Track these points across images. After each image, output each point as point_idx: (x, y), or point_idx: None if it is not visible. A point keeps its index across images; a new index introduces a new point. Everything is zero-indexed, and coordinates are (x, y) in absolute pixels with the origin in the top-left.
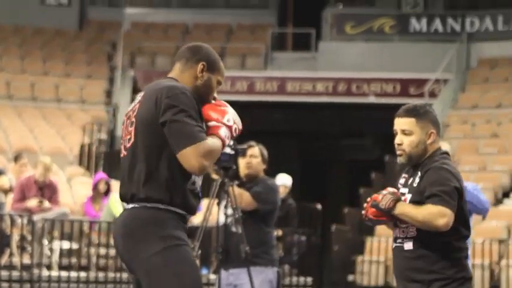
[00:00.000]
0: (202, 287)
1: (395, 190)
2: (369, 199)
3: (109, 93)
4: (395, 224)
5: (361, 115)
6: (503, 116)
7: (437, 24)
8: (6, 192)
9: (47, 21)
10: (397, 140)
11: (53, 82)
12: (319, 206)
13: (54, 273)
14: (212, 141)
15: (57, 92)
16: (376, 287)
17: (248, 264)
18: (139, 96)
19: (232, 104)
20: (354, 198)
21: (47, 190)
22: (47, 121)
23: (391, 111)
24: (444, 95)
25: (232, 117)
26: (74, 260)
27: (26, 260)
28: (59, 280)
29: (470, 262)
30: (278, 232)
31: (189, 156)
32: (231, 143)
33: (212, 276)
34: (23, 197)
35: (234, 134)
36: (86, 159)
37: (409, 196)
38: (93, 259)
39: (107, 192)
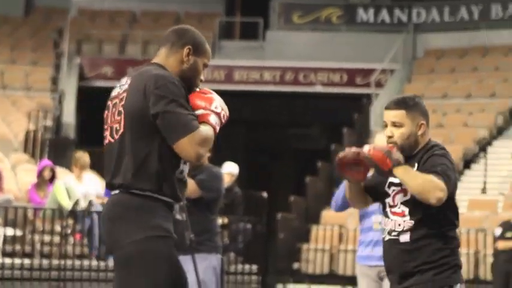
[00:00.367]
0: (179, 281)
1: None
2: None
3: (55, 80)
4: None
5: (308, 104)
6: (449, 107)
7: (384, 14)
8: None
9: None
10: (387, 133)
11: None
12: (265, 194)
13: None
14: (205, 129)
15: (2, 79)
16: (321, 275)
17: (192, 251)
18: (125, 84)
19: None
20: (300, 187)
21: None
22: None
23: (338, 100)
24: (390, 85)
25: (219, 104)
26: (18, 247)
27: None
28: (2, 267)
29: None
30: (223, 220)
31: (185, 146)
32: None
33: None
34: None
35: (223, 121)
36: (31, 146)
37: (400, 193)
38: (37, 246)
39: (52, 179)
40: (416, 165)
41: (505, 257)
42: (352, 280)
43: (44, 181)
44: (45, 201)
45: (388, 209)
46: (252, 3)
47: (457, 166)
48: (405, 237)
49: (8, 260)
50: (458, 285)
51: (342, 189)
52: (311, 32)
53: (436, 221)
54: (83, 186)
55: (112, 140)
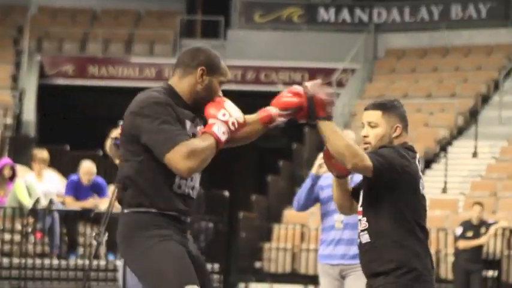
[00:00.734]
0: (188, 274)
1: None
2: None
3: (15, 78)
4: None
5: (270, 103)
6: (409, 106)
7: (345, 14)
8: None
9: None
10: (363, 132)
11: None
12: (226, 193)
13: None
14: (199, 142)
15: None
16: (284, 274)
17: None
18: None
19: (141, 90)
20: (261, 186)
21: None
22: None
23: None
24: (351, 84)
25: (228, 111)
26: None
27: None
28: None
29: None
30: None
31: (172, 161)
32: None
33: (119, 262)
34: None
35: (232, 128)
36: None
37: (367, 184)
38: None
39: (12, 177)
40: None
41: (465, 256)
42: (314, 279)
43: (4, 179)
44: (5, 199)
45: (360, 209)
46: (213, 2)
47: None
48: (365, 238)
49: None
50: None
51: (305, 189)
52: (272, 31)
53: (390, 220)
54: (43, 185)
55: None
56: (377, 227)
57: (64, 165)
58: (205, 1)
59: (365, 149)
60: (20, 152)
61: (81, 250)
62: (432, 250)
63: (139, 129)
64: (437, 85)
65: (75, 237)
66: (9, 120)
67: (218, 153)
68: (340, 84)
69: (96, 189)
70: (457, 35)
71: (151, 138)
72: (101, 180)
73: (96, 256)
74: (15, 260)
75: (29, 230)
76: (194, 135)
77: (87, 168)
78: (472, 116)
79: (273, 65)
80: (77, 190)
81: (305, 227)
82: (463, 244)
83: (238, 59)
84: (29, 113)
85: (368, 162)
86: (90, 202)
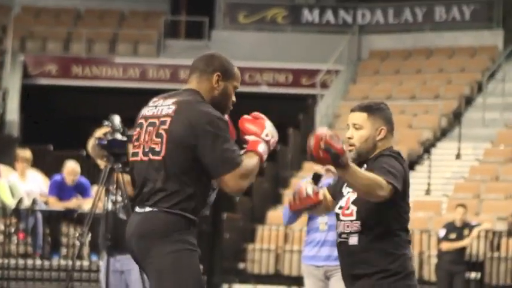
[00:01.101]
0: None
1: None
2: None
3: None
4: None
5: (254, 104)
6: (393, 108)
7: (329, 15)
8: None
9: None
10: (348, 134)
11: None
12: None
13: None
14: (250, 162)
15: None
16: (267, 275)
17: None
18: (163, 106)
19: (124, 91)
20: None
21: None
22: None
23: (283, 101)
24: (335, 85)
25: (269, 130)
26: None
27: None
28: None
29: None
30: None
31: (228, 182)
32: (119, 126)
33: (101, 263)
34: None
35: (271, 148)
36: None
37: (352, 196)
38: None
39: None
40: (364, 166)
41: (448, 258)
42: (298, 280)
43: None
44: None
45: (339, 211)
46: (198, 3)
47: None
48: (353, 240)
49: None
50: None
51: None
52: (256, 32)
53: (384, 224)
54: (26, 185)
55: (145, 159)
56: (371, 232)
57: (47, 165)
58: (190, 2)
59: (349, 151)
60: (3, 152)
61: (64, 250)
62: (415, 252)
63: (201, 142)
64: (421, 87)
65: (58, 238)
66: None
67: None
68: (324, 85)
69: (80, 190)
70: (440, 36)
71: (212, 156)
72: (84, 180)
73: (79, 256)
74: None
75: (12, 230)
76: None
77: (71, 168)
78: (456, 117)
79: (257, 65)
80: (60, 190)
81: (289, 229)
82: (446, 246)
83: None
84: (13, 113)
85: (391, 192)
86: (73, 202)
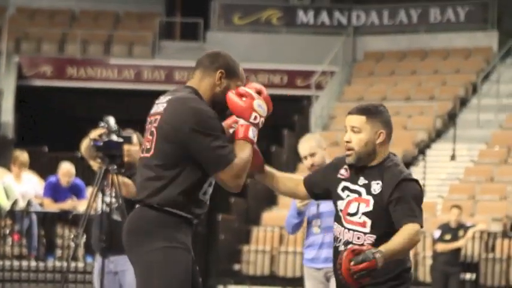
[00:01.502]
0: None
1: (362, 245)
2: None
3: None
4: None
5: None
6: (388, 109)
7: (324, 17)
8: None
9: None
10: (346, 137)
11: None
12: None
13: None
14: (242, 155)
15: None
16: (262, 276)
17: None
18: (162, 103)
19: (119, 92)
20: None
21: None
22: None
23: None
24: (330, 87)
25: (257, 110)
26: None
27: None
28: None
29: None
30: None
31: (223, 180)
32: (115, 127)
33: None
34: None
35: (260, 126)
36: None
37: (370, 199)
38: None
39: None
40: (380, 183)
41: (443, 259)
42: (293, 282)
43: None
44: None
45: (341, 214)
46: (192, 4)
47: None
48: (342, 247)
49: None
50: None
51: (292, 217)
52: (251, 34)
53: (394, 233)
54: (21, 186)
55: (142, 156)
56: (383, 242)
57: (42, 167)
58: (184, 3)
59: (348, 155)
60: None
61: (59, 252)
62: (410, 253)
63: (190, 141)
64: (415, 88)
65: (53, 239)
66: None
67: None
68: (319, 86)
69: (75, 191)
70: (435, 38)
71: (203, 156)
72: (79, 181)
73: (74, 258)
74: None
75: (7, 231)
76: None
77: (66, 170)
78: (451, 119)
79: (252, 67)
80: (55, 191)
81: (284, 230)
82: (441, 247)
83: None
84: (7, 114)
85: (420, 228)
86: (68, 204)
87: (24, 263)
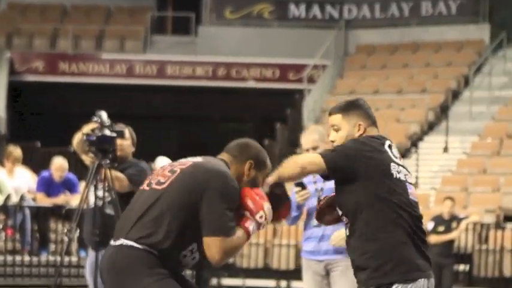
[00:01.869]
0: None
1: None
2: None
3: None
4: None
5: (241, 100)
6: (380, 102)
7: (316, 10)
8: None
9: None
10: (330, 137)
11: None
12: None
13: None
14: (238, 238)
15: None
16: (256, 269)
17: None
18: (195, 158)
19: (111, 87)
20: None
21: None
22: None
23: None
24: (322, 80)
25: (265, 212)
26: None
27: None
28: None
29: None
30: None
31: (213, 247)
32: (108, 122)
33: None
34: None
35: (261, 229)
36: None
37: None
38: None
39: None
40: None
41: (437, 250)
42: (287, 274)
43: None
44: None
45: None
46: None
47: None
48: (347, 232)
49: None
50: (395, 285)
51: (292, 206)
52: (243, 28)
53: (364, 215)
54: (14, 181)
55: (147, 188)
56: (353, 225)
57: (35, 162)
58: None
59: None
60: None
61: (52, 247)
62: None
63: (206, 198)
64: (407, 81)
65: (47, 234)
66: None
67: (190, 149)
68: (311, 80)
69: (68, 186)
70: (427, 31)
71: (209, 215)
72: (72, 176)
73: (68, 252)
74: None
75: (0, 226)
76: None
77: (59, 165)
78: (443, 111)
79: (244, 61)
80: (48, 186)
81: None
82: (434, 239)
83: (209, 55)
84: (0, 110)
85: (322, 162)
86: (61, 198)
87: (18, 258)
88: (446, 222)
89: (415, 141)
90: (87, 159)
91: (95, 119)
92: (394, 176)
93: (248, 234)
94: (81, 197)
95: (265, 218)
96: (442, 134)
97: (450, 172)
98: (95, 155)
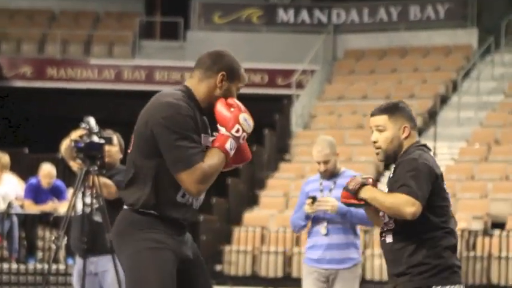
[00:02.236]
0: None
1: (368, 176)
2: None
3: None
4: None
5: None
6: (369, 108)
7: (304, 15)
8: None
9: None
10: (372, 138)
11: None
12: None
13: None
14: (211, 162)
15: None
16: (244, 277)
17: (112, 251)
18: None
19: (100, 92)
20: (221, 189)
21: None
22: None
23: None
24: (311, 85)
25: (242, 125)
26: None
27: None
28: None
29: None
30: None
31: (184, 181)
32: (96, 128)
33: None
34: None
35: (241, 142)
36: None
37: (385, 189)
38: None
39: None
40: (393, 167)
41: None
42: (275, 282)
43: None
44: None
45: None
46: (172, 3)
47: (377, 167)
48: (389, 238)
49: None
50: (439, 287)
51: (299, 219)
52: (231, 33)
53: (415, 223)
54: (2, 188)
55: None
56: (403, 230)
57: (23, 169)
58: (164, 2)
59: (377, 154)
60: None
61: (40, 254)
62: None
63: (157, 137)
64: (396, 86)
65: (34, 241)
66: None
67: None
68: (299, 85)
69: (56, 193)
70: (415, 35)
71: (167, 152)
72: (60, 183)
73: (56, 260)
74: None
75: None
76: (207, 147)
77: (47, 171)
78: (431, 116)
79: None
80: (36, 193)
81: (265, 230)
82: None
83: None
84: None
85: (420, 206)
86: (49, 206)
87: (5, 266)
88: None
89: None
90: (75, 165)
91: (83, 125)
92: (442, 186)
93: (225, 153)
94: (69, 204)
95: (243, 130)
96: (430, 139)
97: None
98: (83, 161)
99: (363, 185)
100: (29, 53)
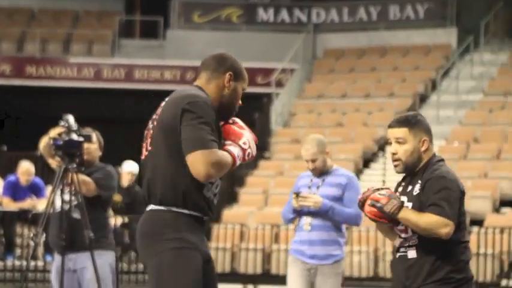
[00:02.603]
0: None
1: (393, 192)
2: (366, 192)
3: None
4: (395, 224)
5: None
6: (348, 106)
7: (284, 14)
8: None
9: None
10: (392, 150)
11: None
12: None
13: None
14: (223, 154)
15: None
16: (223, 274)
17: (91, 248)
18: (163, 103)
19: (79, 90)
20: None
21: None
22: None
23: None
24: (291, 84)
25: (248, 140)
26: None
27: None
28: None
29: None
30: (124, 219)
31: (197, 161)
32: (75, 126)
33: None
34: None
35: (246, 158)
36: None
37: (409, 204)
38: None
39: None
40: (419, 182)
41: None
42: (254, 278)
43: None
44: None
45: (395, 228)
46: (152, 2)
47: (357, 165)
48: (412, 253)
49: None
50: None
51: (288, 211)
52: (211, 31)
53: (434, 239)
54: None
55: (146, 154)
56: (428, 245)
57: (1, 166)
58: (144, 1)
59: (395, 166)
60: None
61: (18, 251)
62: (371, 248)
63: (182, 120)
64: (375, 85)
65: (13, 238)
66: None
67: None
68: (279, 84)
69: (34, 190)
70: (394, 35)
71: (188, 132)
72: (38, 180)
73: (34, 257)
74: None
75: None
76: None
77: (26, 169)
78: None
79: None
80: (14, 191)
81: (244, 227)
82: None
83: (178, 59)
84: None
85: (454, 226)
86: (27, 203)
87: None
88: None
89: (382, 145)
90: (53, 163)
91: (62, 123)
92: (463, 201)
93: (233, 156)
94: (47, 201)
95: (249, 146)
96: None
97: None
98: (61, 159)
99: (400, 207)
100: (8, 51)
